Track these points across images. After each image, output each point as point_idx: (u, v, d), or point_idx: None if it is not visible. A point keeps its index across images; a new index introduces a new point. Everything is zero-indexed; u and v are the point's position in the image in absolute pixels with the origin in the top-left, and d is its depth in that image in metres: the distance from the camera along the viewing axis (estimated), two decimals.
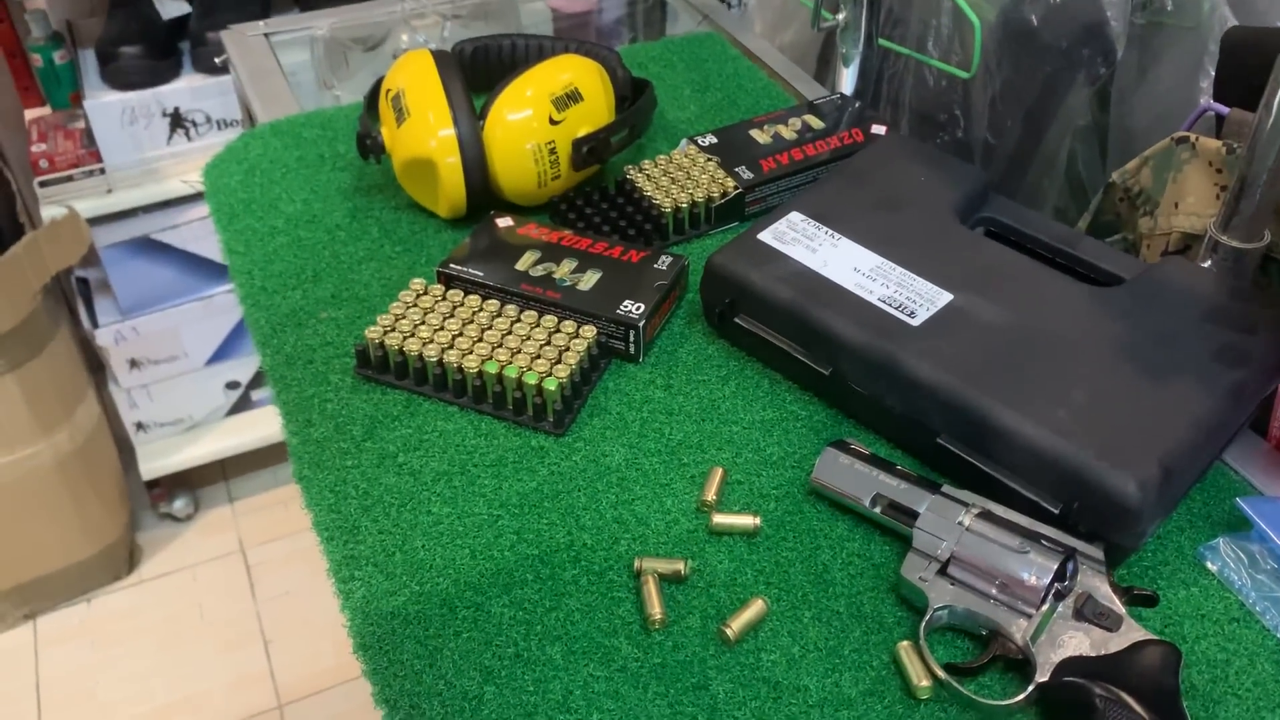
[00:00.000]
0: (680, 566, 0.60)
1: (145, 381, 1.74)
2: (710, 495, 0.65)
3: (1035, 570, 0.56)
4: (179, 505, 1.84)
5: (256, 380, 1.82)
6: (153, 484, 1.80)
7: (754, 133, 0.90)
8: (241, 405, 1.84)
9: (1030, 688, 0.54)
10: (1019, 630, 0.55)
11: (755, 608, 0.59)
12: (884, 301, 0.68)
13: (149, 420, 1.78)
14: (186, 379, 1.77)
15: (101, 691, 1.60)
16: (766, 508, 0.65)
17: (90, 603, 1.72)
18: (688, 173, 0.85)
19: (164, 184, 1.62)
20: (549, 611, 0.59)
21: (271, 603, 1.73)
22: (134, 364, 1.72)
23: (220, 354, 1.78)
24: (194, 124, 1.64)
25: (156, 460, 1.77)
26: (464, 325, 0.71)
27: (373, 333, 0.71)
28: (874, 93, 1.11)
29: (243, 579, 1.77)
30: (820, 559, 0.62)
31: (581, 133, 0.82)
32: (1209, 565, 0.62)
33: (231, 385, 1.82)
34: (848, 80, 1.00)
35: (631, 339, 0.73)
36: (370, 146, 0.83)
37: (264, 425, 1.82)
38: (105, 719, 1.56)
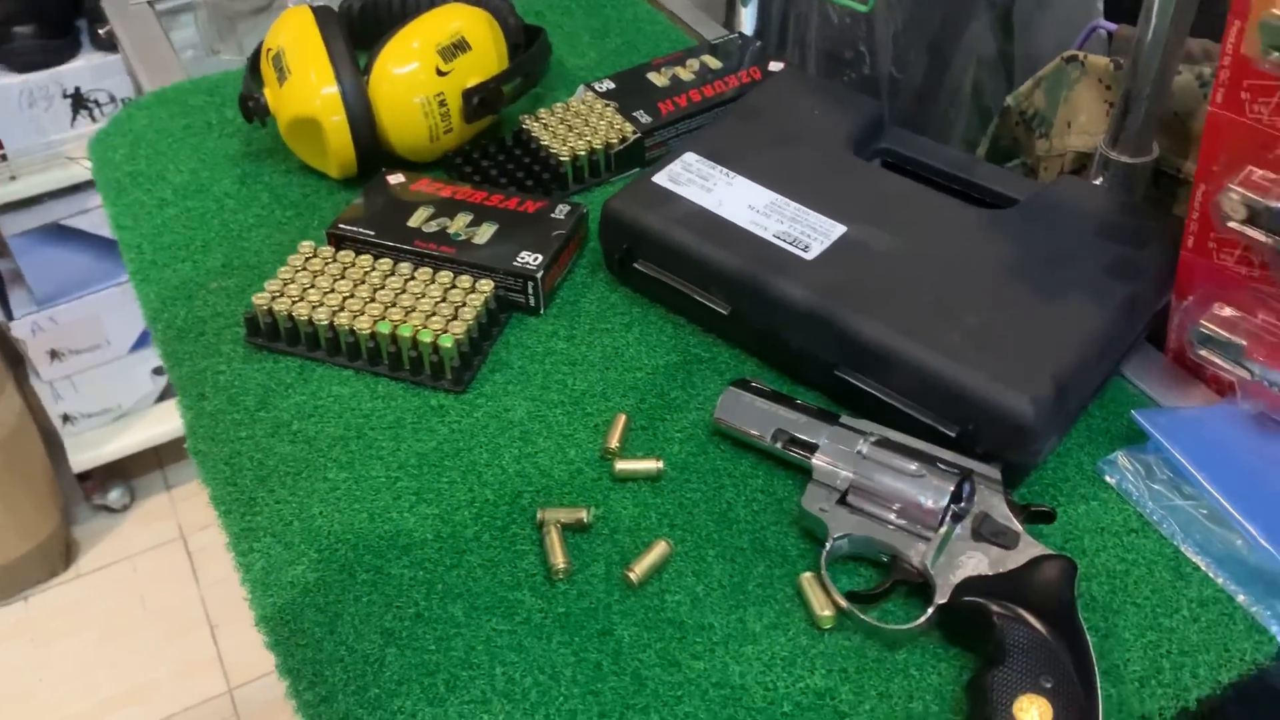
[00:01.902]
0: (583, 515, 0.60)
1: (68, 372, 1.70)
2: (613, 442, 0.64)
3: (932, 493, 0.56)
4: (114, 496, 1.80)
5: None
6: (84, 476, 1.76)
7: (651, 76, 0.88)
8: (171, 391, 1.80)
9: (930, 610, 0.54)
10: (917, 554, 0.55)
11: (658, 550, 0.58)
12: (779, 237, 0.67)
13: (75, 411, 1.74)
14: (111, 367, 1.74)
15: (45, 689, 1.57)
16: (670, 451, 0.64)
17: (28, 601, 1.69)
18: (585, 120, 0.84)
19: (70, 168, 1.57)
20: (450, 569, 0.58)
21: (215, 587, 1.71)
22: (54, 355, 1.68)
23: (144, 339, 1.74)
24: (97, 104, 1.59)
25: (86, 452, 1.73)
26: (355, 286, 0.70)
27: (260, 299, 0.69)
28: (780, 33, 1.10)
29: (184, 566, 1.74)
30: (724, 498, 0.62)
31: (471, 83, 0.80)
32: (1107, 479, 0.62)
33: (158, 371, 1.78)
34: (747, 20, 0.99)
35: (531, 291, 0.71)
36: (254, 108, 0.80)
37: None
38: (50, 717, 1.54)
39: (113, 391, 1.76)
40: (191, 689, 1.58)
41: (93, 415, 1.76)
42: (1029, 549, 0.55)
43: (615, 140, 0.82)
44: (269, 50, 0.80)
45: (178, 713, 1.56)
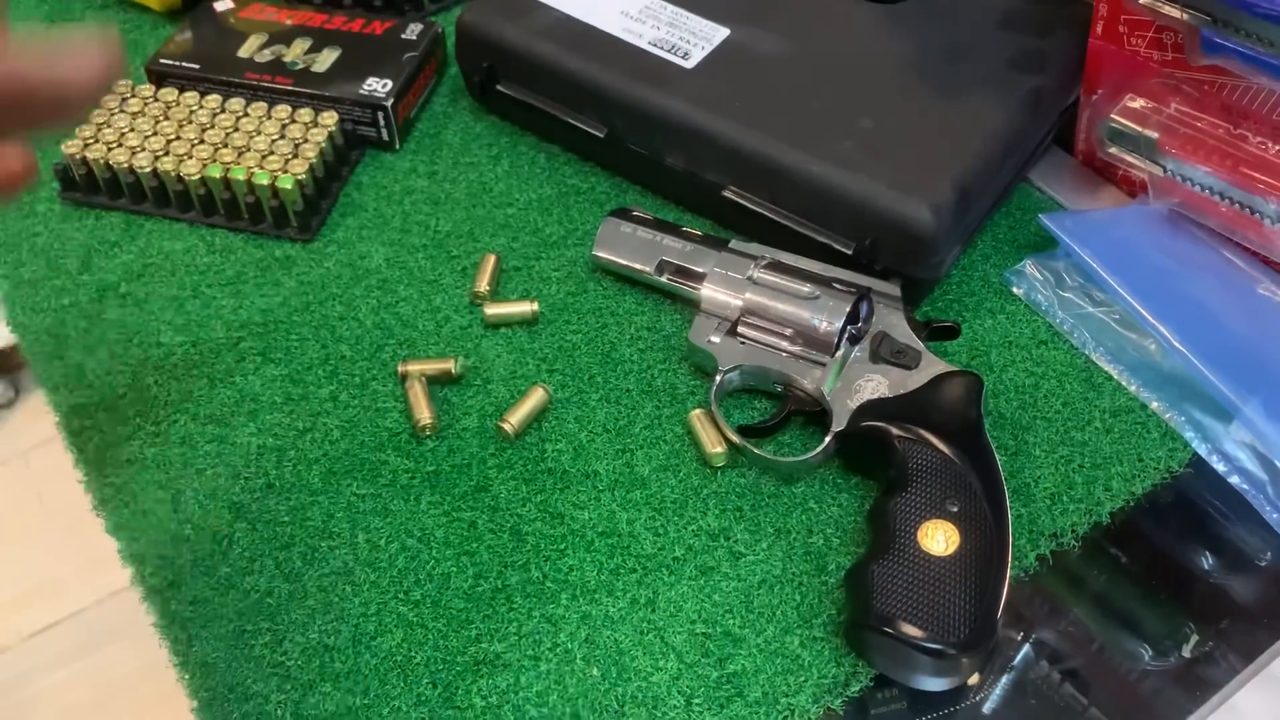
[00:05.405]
0: (449, 365, 0.54)
1: None
2: (483, 286, 0.58)
3: (826, 314, 0.51)
4: None
5: None
6: None
7: None
8: None
9: (828, 438, 0.50)
10: (813, 381, 0.51)
11: (535, 398, 0.53)
12: (655, 45, 0.60)
13: None
14: None
15: None
16: (547, 291, 0.59)
17: None
18: None
19: None
20: (302, 434, 0.53)
21: None
22: None
23: None
24: None
25: None
26: (180, 127, 0.61)
27: (71, 147, 0.60)
28: None
29: None
30: (607, 338, 0.57)
31: None
32: (1015, 290, 0.58)
33: None
34: None
35: (382, 122, 0.64)
36: None
37: None
38: None
39: None
40: (98, 582, 1.52)
41: None
42: (931, 367, 0.51)
43: None
44: None
45: (88, 607, 1.50)
